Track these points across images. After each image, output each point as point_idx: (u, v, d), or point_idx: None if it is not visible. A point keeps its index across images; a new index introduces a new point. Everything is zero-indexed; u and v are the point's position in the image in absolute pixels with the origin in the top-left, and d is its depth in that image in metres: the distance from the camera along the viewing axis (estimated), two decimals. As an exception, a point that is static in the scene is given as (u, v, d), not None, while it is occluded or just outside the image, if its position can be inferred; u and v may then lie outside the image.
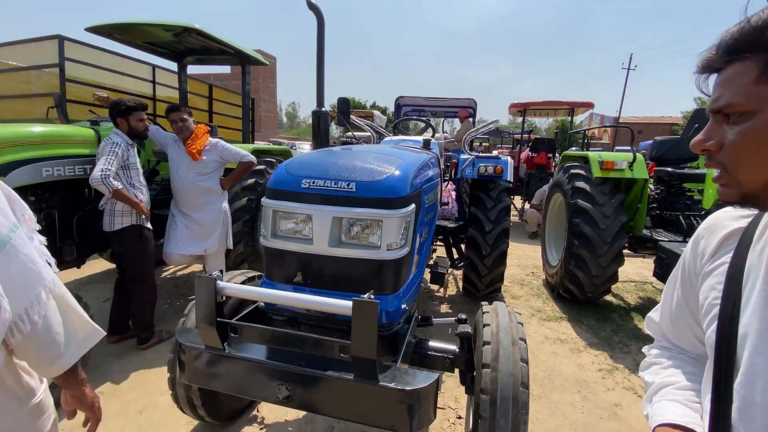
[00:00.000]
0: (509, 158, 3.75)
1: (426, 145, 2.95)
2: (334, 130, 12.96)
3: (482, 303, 1.97)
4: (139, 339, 2.87)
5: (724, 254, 0.66)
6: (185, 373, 1.42)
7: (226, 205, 3.41)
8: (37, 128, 2.64)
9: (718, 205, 3.08)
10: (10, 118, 3.73)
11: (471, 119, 7.00)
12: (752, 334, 0.56)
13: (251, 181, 3.77)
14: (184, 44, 3.99)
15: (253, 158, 3.35)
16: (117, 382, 2.55)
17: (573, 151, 4.85)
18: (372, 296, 1.19)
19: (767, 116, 0.51)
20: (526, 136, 10.16)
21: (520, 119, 9.08)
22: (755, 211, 0.65)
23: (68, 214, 2.83)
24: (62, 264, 2.87)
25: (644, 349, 0.89)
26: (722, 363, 0.59)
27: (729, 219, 0.69)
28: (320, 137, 2.58)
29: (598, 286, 3.70)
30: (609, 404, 2.57)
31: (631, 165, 3.56)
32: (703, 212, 3.40)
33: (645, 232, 3.71)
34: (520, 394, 1.57)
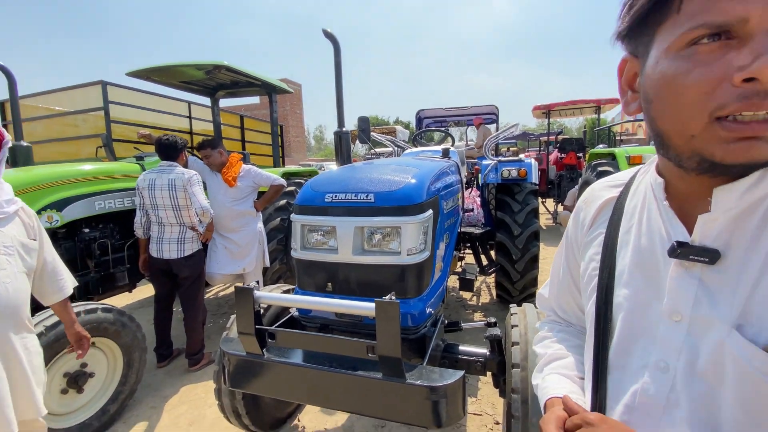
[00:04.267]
0: (533, 160, 3.73)
1: (445, 154, 3.02)
2: (360, 148, 13.28)
3: (511, 306, 1.98)
4: (190, 360, 3.00)
5: (600, 225, 0.68)
6: (229, 379, 1.53)
7: (261, 225, 3.60)
8: (89, 166, 2.94)
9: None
10: (61, 159, 4.14)
11: (490, 125, 7.00)
12: (624, 305, 0.59)
13: (283, 202, 3.96)
14: (215, 80, 4.32)
15: (283, 181, 3.54)
16: (168, 396, 2.72)
17: (600, 148, 4.75)
18: (393, 297, 1.26)
19: None
20: (554, 137, 9.98)
21: (546, 121, 8.95)
22: (625, 180, 0.68)
23: (120, 243, 3.10)
24: (115, 289, 3.14)
25: (537, 325, 0.90)
26: (600, 332, 0.61)
27: (603, 189, 0.71)
28: (343, 156, 2.72)
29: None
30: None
31: (661, 157, 3.45)
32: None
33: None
34: (552, 393, 1.58)
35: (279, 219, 3.90)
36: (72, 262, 2.76)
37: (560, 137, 9.77)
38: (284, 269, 3.95)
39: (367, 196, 1.63)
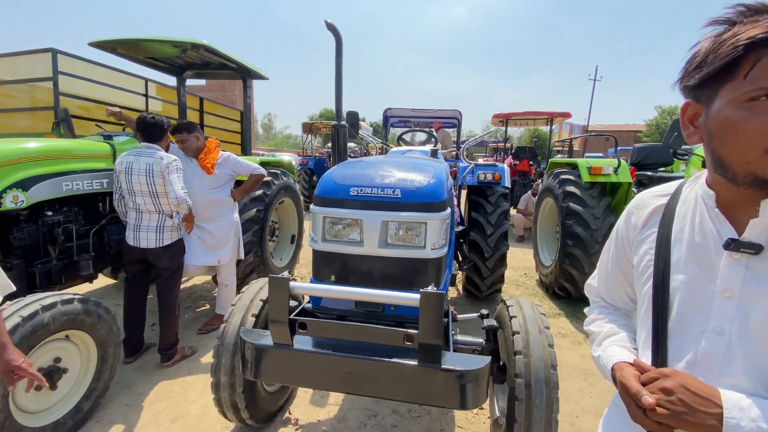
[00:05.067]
0: (506, 165, 3.99)
1: (433, 154, 3.14)
2: (313, 142, 13.01)
3: (503, 298, 2.14)
4: (163, 356, 2.83)
5: (652, 226, 0.83)
6: (253, 370, 1.51)
7: (237, 216, 3.47)
8: (57, 143, 2.66)
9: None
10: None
11: (450, 129, 7.30)
12: (681, 287, 0.75)
13: (259, 192, 3.85)
14: (184, 59, 4.05)
15: (263, 171, 3.45)
16: (143, 394, 2.56)
17: (558, 158, 5.20)
18: (434, 288, 1.34)
19: None
20: (503, 144, 10.62)
21: (493, 129, 9.48)
22: (671, 191, 0.85)
23: (85, 229, 2.84)
24: (78, 278, 2.87)
25: (585, 310, 1.06)
26: (658, 309, 0.77)
27: (652, 197, 0.87)
28: (339, 150, 2.71)
29: (590, 282, 3.96)
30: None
31: (616, 170, 3.87)
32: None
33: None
34: (551, 376, 1.75)
35: (255, 210, 3.79)
36: (34, 247, 2.48)
37: (507, 145, 10.41)
38: (258, 262, 3.85)
39: (393, 192, 1.69)
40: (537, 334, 1.88)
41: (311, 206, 1.81)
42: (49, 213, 2.58)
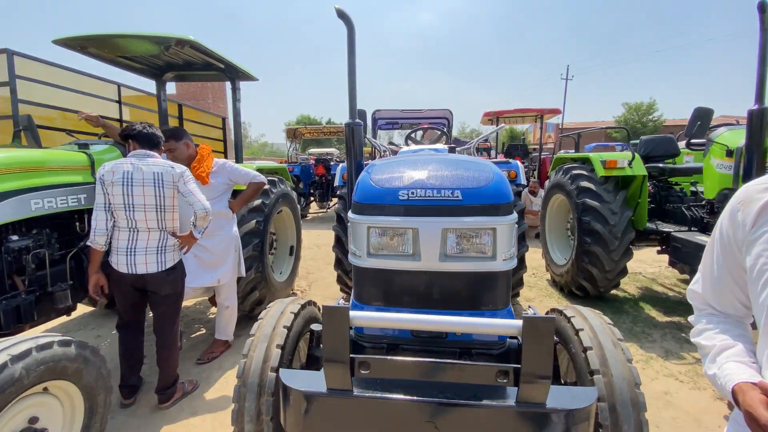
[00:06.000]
0: (520, 162, 3.80)
1: (452, 152, 2.90)
2: (289, 147, 12.55)
3: (560, 308, 1.90)
4: (161, 396, 2.42)
5: (765, 223, 0.74)
6: (300, 424, 1.20)
7: (236, 229, 3.12)
8: (22, 153, 2.25)
9: (723, 195, 3.17)
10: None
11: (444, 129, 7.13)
12: None
13: (258, 202, 3.50)
14: (164, 58, 3.67)
15: (263, 178, 3.11)
16: (141, 444, 2.17)
17: (563, 153, 5.07)
18: (535, 311, 1.07)
19: None
20: (485, 144, 10.56)
21: (501, 126, 9.41)
22: None
23: (60, 254, 2.42)
24: (53, 312, 2.45)
25: (690, 319, 0.96)
26: None
27: (759, 192, 0.77)
28: (354, 150, 2.41)
29: (610, 280, 3.81)
30: (659, 393, 2.62)
31: (630, 163, 3.74)
32: (704, 202, 3.64)
33: (649, 225, 3.89)
34: (638, 396, 1.51)
35: (254, 221, 3.43)
36: (-2, 280, 2.07)
37: (503, 143, 10.37)
38: (259, 278, 3.49)
39: (452, 193, 1.42)
40: (612, 349, 1.64)
41: (349, 214, 1.52)
42: (15, 237, 2.17)
